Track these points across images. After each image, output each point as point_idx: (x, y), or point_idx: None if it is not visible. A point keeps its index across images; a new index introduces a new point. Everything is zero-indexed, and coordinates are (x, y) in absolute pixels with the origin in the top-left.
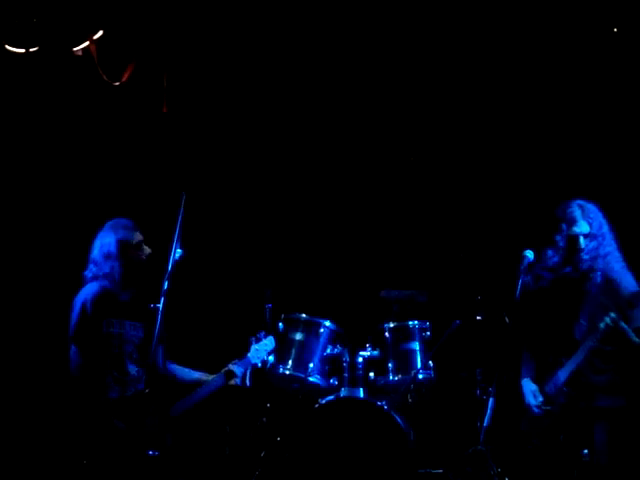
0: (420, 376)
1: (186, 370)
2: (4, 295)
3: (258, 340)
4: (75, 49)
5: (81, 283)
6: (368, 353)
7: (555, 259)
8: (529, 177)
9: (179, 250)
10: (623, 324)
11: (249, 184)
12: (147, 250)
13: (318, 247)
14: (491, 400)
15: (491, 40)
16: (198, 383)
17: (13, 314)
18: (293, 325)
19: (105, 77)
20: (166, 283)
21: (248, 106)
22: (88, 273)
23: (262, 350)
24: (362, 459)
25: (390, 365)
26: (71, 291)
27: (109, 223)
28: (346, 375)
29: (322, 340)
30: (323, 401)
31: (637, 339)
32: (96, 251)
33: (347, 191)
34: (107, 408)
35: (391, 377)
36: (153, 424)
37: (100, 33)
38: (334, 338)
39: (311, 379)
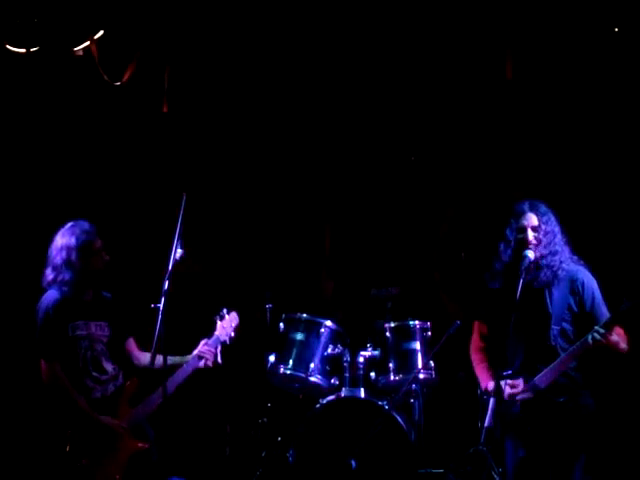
0: (421, 376)
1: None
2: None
3: (222, 318)
4: (76, 49)
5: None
6: (369, 353)
7: (507, 252)
8: (530, 176)
9: (180, 250)
10: (614, 337)
11: (249, 184)
12: (106, 257)
13: (318, 247)
14: (492, 400)
15: (492, 40)
16: (173, 367)
17: None
18: (294, 325)
19: (106, 77)
20: (166, 283)
21: (249, 106)
22: (48, 276)
23: (228, 326)
24: (363, 459)
25: (391, 365)
26: None
27: (70, 225)
28: (347, 375)
29: (323, 340)
30: (324, 401)
31: (625, 345)
32: (56, 256)
33: (348, 191)
34: (90, 407)
35: (392, 377)
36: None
37: (101, 33)
38: (335, 338)
39: (312, 379)
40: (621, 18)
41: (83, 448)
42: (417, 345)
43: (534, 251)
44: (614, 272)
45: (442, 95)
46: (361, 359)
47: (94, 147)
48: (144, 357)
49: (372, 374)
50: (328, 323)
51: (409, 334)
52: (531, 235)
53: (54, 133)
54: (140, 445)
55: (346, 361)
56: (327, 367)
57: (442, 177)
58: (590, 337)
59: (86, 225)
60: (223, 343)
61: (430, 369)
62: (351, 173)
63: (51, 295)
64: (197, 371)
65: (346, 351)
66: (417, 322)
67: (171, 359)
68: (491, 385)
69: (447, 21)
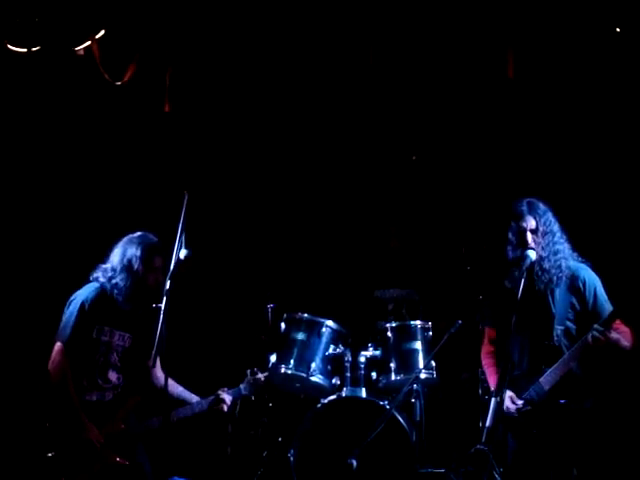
0: (422, 376)
1: (178, 387)
2: None
3: (254, 374)
4: (77, 49)
5: (77, 283)
6: (370, 353)
7: (511, 255)
8: (531, 176)
9: (184, 250)
10: (613, 334)
11: (251, 184)
12: (161, 277)
13: (318, 246)
14: (493, 400)
15: (492, 39)
16: (183, 402)
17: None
18: (295, 325)
19: (107, 76)
20: (168, 283)
21: (250, 105)
22: (101, 273)
23: (255, 384)
24: (364, 459)
25: (392, 365)
26: (60, 291)
27: (139, 235)
28: (348, 375)
29: (324, 340)
30: (325, 401)
31: (627, 342)
32: (116, 259)
33: (349, 190)
34: (82, 408)
35: (393, 377)
36: (135, 428)
37: (102, 33)
38: (336, 338)
39: (313, 379)
40: (622, 17)
41: (61, 450)
42: (418, 345)
43: (533, 255)
44: (616, 269)
45: (443, 94)
46: (362, 359)
47: (95, 147)
48: (164, 382)
49: (373, 374)
50: (329, 323)
51: (410, 334)
52: (530, 237)
53: (56, 133)
54: (118, 460)
55: (347, 361)
56: (328, 367)
57: (445, 175)
58: (590, 335)
59: (154, 240)
60: (244, 396)
61: (431, 369)
62: (353, 172)
63: (95, 290)
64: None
65: (347, 351)
66: (418, 322)
67: (183, 392)
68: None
69: (449, 20)
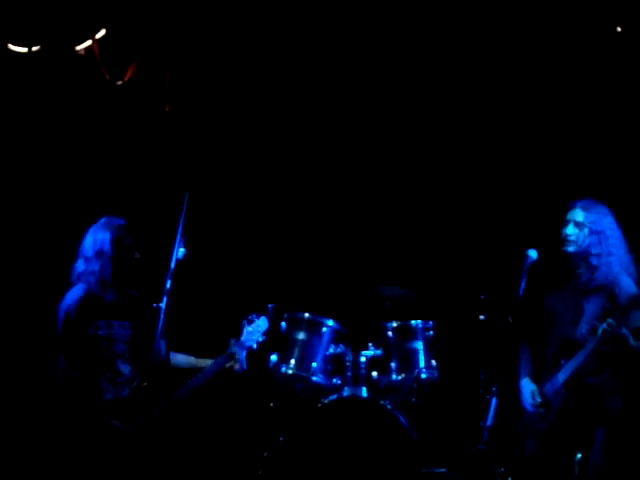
0: (423, 375)
1: (188, 357)
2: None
3: (250, 322)
4: (78, 48)
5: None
6: (371, 352)
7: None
8: (533, 175)
9: (182, 249)
10: (623, 330)
11: (251, 183)
12: (137, 255)
13: (318, 246)
14: (494, 400)
15: (492, 39)
16: (200, 368)
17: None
18: (296, 324)
19: (108, 76)
20: (169, 282)
21: (251, 105)
22: (78, 269)
23: (255, 331)
24: (365, 458)
25: (393, 364)
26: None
27: (104, 220)
28: (349, 374)
29: (325, 339)
30: (326, 400)
31: (635, 343)
32: (88, 247)
33: (352, 189)
34: (101, 410)
35: (394, 376)
36: (154, 417)
37: (103, 32)
38: (337, 337)
39: (314, 378)
40: (622, 16)
41: (88, 450)
42: (419, 344)
43: (570, 247)
44: None
45: (444, 94)
46: (363, 358)
47: (96, 146)
48: (172, 359)
49: (374, 373)
50: (330, 322)
51: (411, 333)
52: (570, 229)
53: (56, 132)
54: (146, 451)
55: (348, 360)
56: (329, 366)
57: (445, 175)
58: (600, 328)
59: (120, 221)
60: (249, 348)
61: (432, 368)
62: (354, 171)
63: (75, 292)
64: (196, 371)
65: (348, 350)
66: (419, 321)
67: (187, 359)
68: (530, 387)
69: (449, 19)
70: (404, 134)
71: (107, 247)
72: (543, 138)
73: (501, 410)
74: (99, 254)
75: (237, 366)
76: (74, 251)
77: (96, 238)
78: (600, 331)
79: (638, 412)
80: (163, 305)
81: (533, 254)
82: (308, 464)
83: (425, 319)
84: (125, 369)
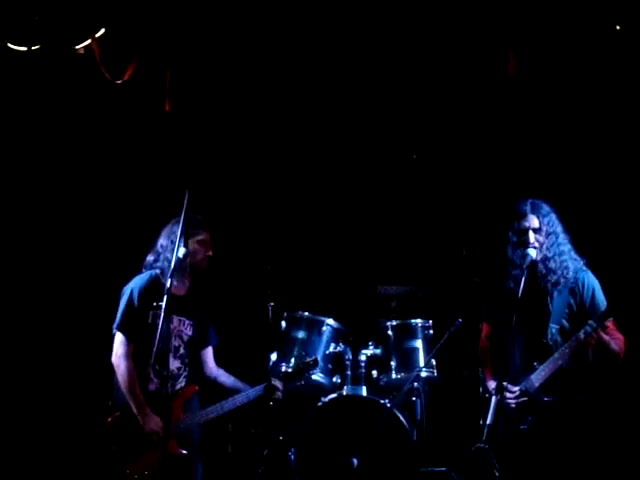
0: (423, 374)
1: (230, 376)
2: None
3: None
4: (77, 47)
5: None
6: (371, 351)
7: (511, 254)
8: (533, 175)
9: (183, 248)
10: (605, 336)
11: (251, 182)
12: (209, 252)
13: (318, 245)
14: (493, 398)
15: (492, 38)
16: (236, 391)
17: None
18: (296, 323)
19: (107, 75)
20: (169, 281)
21: (250, 103)
22: (149, 259)
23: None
24: (365, 457)
25: (393, 363)
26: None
27: (182, 216)
28: (349, 373)
29: (325, 338)
30: (326, 399)
31: (617, 347)
32: (162, 241)
33: (350, 188)
34: (145, 399)
35: (394, 375)
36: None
37: (102, 31)
38: (337, 336)
39: (314, 377)
40: (623, 16)
41: (120, 435)
42: (419, 343)
43: (534, 254)
44: (615, 270)
45: (444, 93)
46: (363, 357)
47: (96, 145)
48: (217, 373)
49: (374, 372)
50: (330, 321)
51: (411, 332)
52: (532, 237)
53: (56, 132)
54: (179, 451)
55: (348, 359)
56: (329, 365)
57: (446, 174)
58: (582, 331)
59: (198, 217)
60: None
61: (432, 367)
62: (353, 170)
63: (143, 277)
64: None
65: (348, 349)
66: (419, 320)
67: (233, 381)
68: (492, 384)
69: (450, 19)
70: (404, 134)
71: (180, 243)
72: (539, 137)
73: (500, 409)
74: (172, 248)
75: (279, 395)
76: (73, 251)
77: (171, 232)
78: (582, 335)
79: (599, 402)
80: (163, 304)
81: (532, 253)
82: (308, 463)
83: (430, 317)
84: (174, 365)
